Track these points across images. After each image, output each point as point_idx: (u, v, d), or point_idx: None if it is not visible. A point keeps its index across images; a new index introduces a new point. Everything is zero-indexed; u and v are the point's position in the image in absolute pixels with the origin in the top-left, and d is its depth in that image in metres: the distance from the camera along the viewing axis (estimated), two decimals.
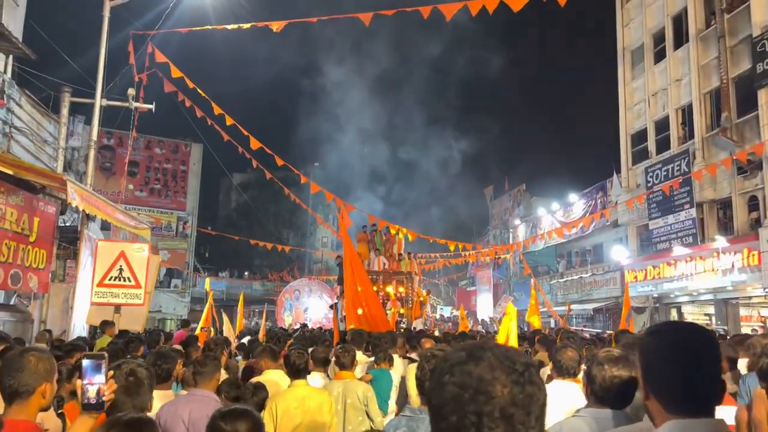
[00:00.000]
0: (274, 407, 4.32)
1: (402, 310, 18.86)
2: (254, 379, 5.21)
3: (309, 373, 4.80)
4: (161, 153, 41.27)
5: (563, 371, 4.18)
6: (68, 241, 11.46)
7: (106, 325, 8.82)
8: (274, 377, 5.16)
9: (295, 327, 24.07)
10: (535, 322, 17.70)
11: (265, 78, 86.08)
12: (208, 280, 20.75)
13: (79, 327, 10.86)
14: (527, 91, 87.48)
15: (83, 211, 10.40)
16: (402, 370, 6.70)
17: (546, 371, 5.40)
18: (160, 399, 4.10)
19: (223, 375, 5.29)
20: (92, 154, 11.92)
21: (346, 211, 14.92)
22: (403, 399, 6.66)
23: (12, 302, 11.57)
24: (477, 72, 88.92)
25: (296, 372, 4.54)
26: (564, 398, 3.77)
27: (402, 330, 12.36)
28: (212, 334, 11.65)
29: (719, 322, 20.02)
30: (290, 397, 4.31)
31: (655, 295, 22.55)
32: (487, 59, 74.01)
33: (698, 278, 19.63)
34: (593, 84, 79.58)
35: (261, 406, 4.33)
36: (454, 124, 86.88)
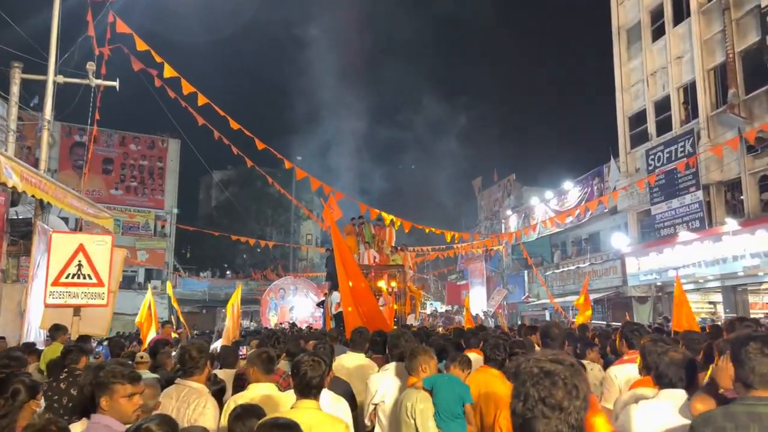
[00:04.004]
0: None
1: (395, 306, 17.67)
2: (239, 399, 3.94)
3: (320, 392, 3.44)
4: (137, 149, 39.65)
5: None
6: (21, 236, 10.05)
7: (58, 330, 7.46)
8: (265, 392, 3.91)
9: (281, 326, 22.83)
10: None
11: (247, 63, 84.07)
12: (169, 284, 19.43)
13: (34, 333, 9.48)
14: (516, 75, 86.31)
15: (36, 199, 9.03)
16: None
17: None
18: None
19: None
20: (45, 136, 10.51)
21: (335, 200, 13.64)
22: None
23: None
24: (463, 56, 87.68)
25: (306, 389, 3.27)
26: None
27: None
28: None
29: (728, 310, 19.08)
30: None
31: (659, 284, 21.54)
32: (474, 42, 72.82)
33: (706, 264, 18.64)
34: (587, 66, 78.70)
35: None
36: (440, 115, 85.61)
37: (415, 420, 4.00)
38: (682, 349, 4.00)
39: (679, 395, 2.89)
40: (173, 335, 12.47)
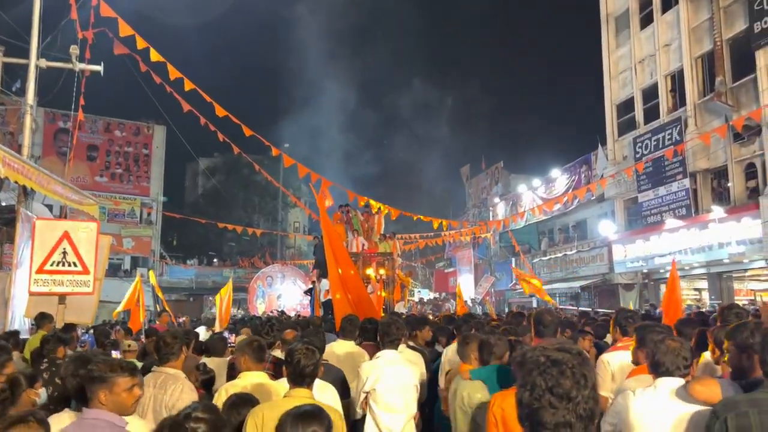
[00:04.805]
0: (258, 422, 2.99)
1: (383, 294, 17.64)
2: (230, 388, 3.89)
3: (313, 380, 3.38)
4: (122, 136, 39.16)
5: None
6: (4, 223, 9.87)
7: (43, 319, 7.34)
8: (257, 381, 3.86)
9: (269, 313, 22.76)
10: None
11: (233, 47, 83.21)
12: (151, 272, 19.31)
13: (18, 321, 9.34)
14: (504, 63, 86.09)
15: (19, 185, 8.87)
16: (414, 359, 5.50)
17: None
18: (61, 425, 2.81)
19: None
20: (28, 121, 10.29)
21: (326, 187, 13.54)
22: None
23: None
24: (451, 43, 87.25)
25: (299, 377, 3.23)
26: None
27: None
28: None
29: (713, 297, 19.27)
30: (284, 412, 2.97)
31: (645, 271, 21.72)
32: (461, 29, 72.46)
33: (692, 251, 18.79)
34: (575, 53, 78.56)
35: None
36: (427, 103, 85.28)
37: (473, 410, 3.94)
38: (676, 336, 3.98)
39: (677, 383, 2.87)
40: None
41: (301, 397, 3.11)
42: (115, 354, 7.07)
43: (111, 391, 2.78)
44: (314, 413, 2.38)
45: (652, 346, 3.01)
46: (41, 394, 3.86)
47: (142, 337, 10.43)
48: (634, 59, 22.42)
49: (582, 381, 1.53)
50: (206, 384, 5.17)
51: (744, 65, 17.46)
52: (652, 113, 21.59)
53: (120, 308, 12.19)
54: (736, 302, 17.77)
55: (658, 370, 2.96)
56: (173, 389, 3.79)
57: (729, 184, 18.31)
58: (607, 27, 24.12)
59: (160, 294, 16.39)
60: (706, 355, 4.00)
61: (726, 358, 3.03)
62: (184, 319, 23.38)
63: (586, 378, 1.54)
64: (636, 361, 3.68)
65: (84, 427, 2.70)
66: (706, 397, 2.68)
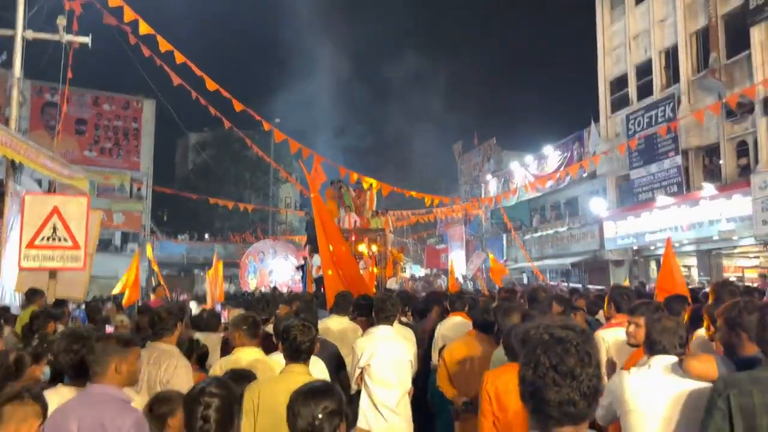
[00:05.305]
0: (255, 399, 2.99)
1: (375, 270, 17.66)
2: (225, 364, 3.88)
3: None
4: (111, 109, 38.63)
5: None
6: None
7: (35, 294, 7.30)
8: (252, 357, 3.85)
9: (261, 289, 22.78)
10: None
11: (224, 23, 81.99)
12: (149, 246, 19.24)
13: (9, 296, 9.29)
14: (495, 37, 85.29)
15: (7, 159, 8.74)
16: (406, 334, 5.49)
17: None
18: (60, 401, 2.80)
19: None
20: (15, 94, 10.09)
21: (318, 162, 13.45)
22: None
23: None
24: (443, 18, 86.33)
25: (295, 353, 3.22)
26: None
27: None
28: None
29: (701, 273, 19.45)
30: (281, 389, 2.96)
31: (635, 248, 21.84)
32: (453, 2, 71.61)
33: (683, 228, 18.88)
34: (568, 28, 77.90)
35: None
36: (419, 78, 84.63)
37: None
38: (666, 314, 3.99)
39: (671, 360, 2.87)
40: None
41: (297, 372, 3.11)
42: (109, 329, 7.06)
43: (126, 362, 2.77)
44: (325, 389, 2.32)
45: (648, 325, 3.01)
46: (46, 371, 3.84)
47: (135, 313, 10.41)
48: (629, 35, 22.28)
49: (586, 359, 1.51)
50: (200, 359, 5.16)
51: (738, 42, 17.39)
52: (645, 90, 21.53)
53: (118, 289, 12.10)
54: (719, 278, 18.00)
55: (653, 348, 2.96)
56: (167, 365, 3.79)
57: (720, 162, 18.36)
58: (602, 2, 23.91)
59: (156, 268, 16.36)
60: (700, 332, 4.02)
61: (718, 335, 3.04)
62: (185, 296, 23.32)
63: (590, 355, 1.52)
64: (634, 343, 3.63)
65: (90, 402, 2.67)
66: (702, 373, 2.68)
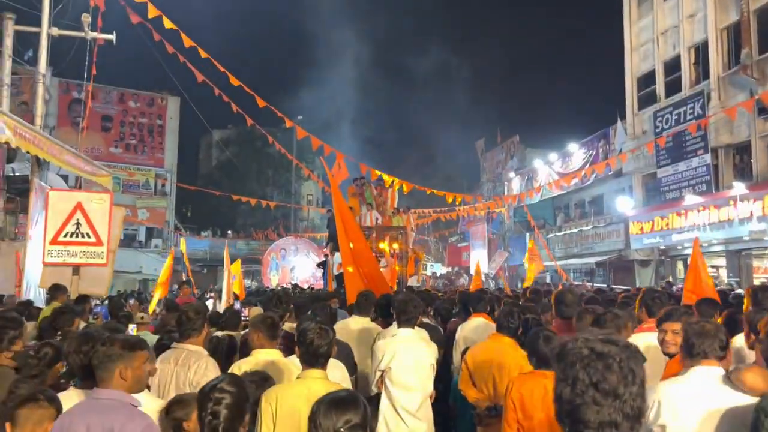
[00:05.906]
0: (273, 404, 2.90)
1: (397, 268, 17.57)
2: (243, 365, 3.80)
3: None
4: (136, 107, 39.10)
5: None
6: (18, 193, 9.82)
7: (57, 290, 7.31)
8: (270, 358, 3.77)
9: (283, 286, 22.80)
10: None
11: (247, 19, 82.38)
12: (183, 240, 19.40)
13: (33, 291, 9.36)
14: (521, 34, 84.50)
15: (32, 155, 8.80)
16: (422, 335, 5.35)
17: None
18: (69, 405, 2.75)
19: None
20: (41, 90, 10.17)
21: (341, 159, 13.38)
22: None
23: None
24: (467, 14, 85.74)
25: (312, 358, 3.10)
26: None
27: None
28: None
29: (731, 275, 19.00)
30: (298, 394, 2.86)
31: (662, 247, 21.41)
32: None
33: (711, 228, 18.45)
34: (595, 24, 76.77)
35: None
36: (443, 75, 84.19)
37: None
38: (697, 317, 3.80)
39: (715, 372, 2.69)
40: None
41: (314, 377, 3.01)
42: (130, 326, 7.04)
43: (131, 367, 2.70)
44: (350, 400, 2.21)
45: (686, 329, 2.84)
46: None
47: (158, 309, 10.43)
48: (657, 30, 21.83)
49: (630, 376, 1.38)
50: (229, 354, 5.10)
51: None
52: (673, 86, 21.08)
53: (158, 295, 12.07)
54: (750, 280, 17.56)
55: (692, 353, 2.78)
56: (197, 366, 3.74)
57: (752, 160, 17.89)
58: None
59: (187, 263, 16.52)
60: (737, 340, 3.82)
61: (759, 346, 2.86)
62: (212, 294, 23.34)
63: (635, 373, 1.39)
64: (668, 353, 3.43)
65: (97, 408, 2.60)
66: (758, 387, 2.49)
